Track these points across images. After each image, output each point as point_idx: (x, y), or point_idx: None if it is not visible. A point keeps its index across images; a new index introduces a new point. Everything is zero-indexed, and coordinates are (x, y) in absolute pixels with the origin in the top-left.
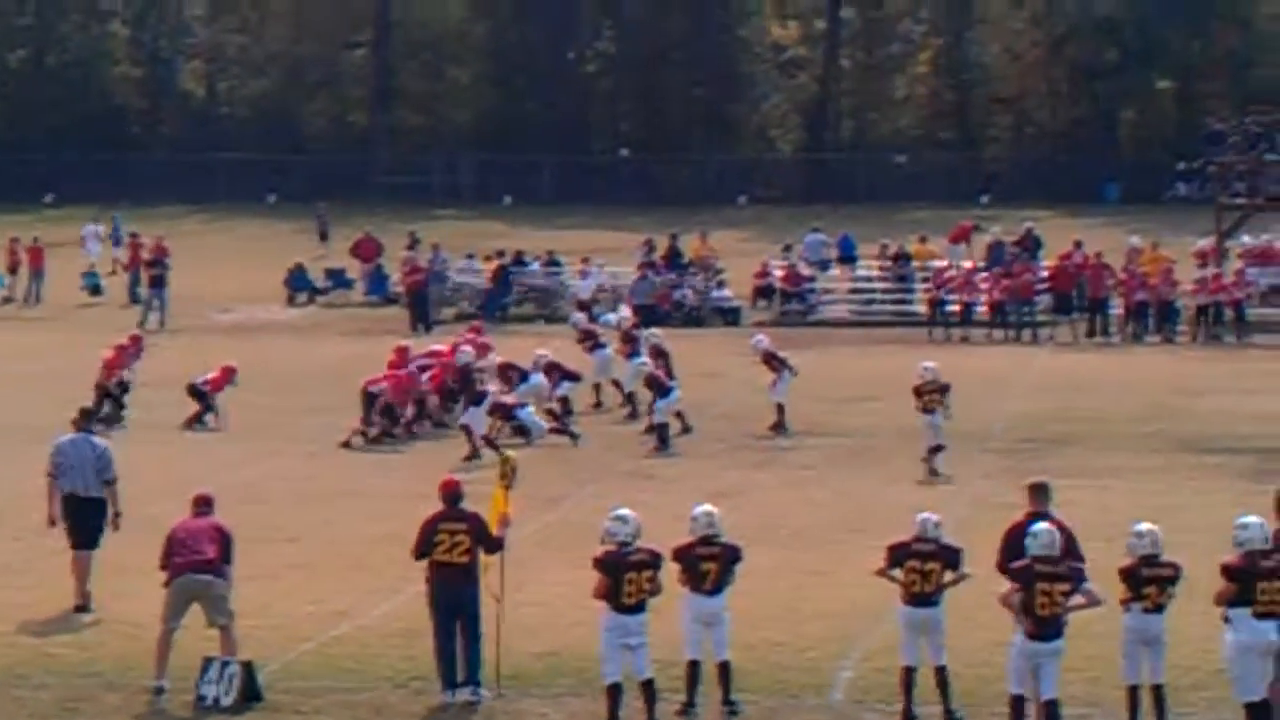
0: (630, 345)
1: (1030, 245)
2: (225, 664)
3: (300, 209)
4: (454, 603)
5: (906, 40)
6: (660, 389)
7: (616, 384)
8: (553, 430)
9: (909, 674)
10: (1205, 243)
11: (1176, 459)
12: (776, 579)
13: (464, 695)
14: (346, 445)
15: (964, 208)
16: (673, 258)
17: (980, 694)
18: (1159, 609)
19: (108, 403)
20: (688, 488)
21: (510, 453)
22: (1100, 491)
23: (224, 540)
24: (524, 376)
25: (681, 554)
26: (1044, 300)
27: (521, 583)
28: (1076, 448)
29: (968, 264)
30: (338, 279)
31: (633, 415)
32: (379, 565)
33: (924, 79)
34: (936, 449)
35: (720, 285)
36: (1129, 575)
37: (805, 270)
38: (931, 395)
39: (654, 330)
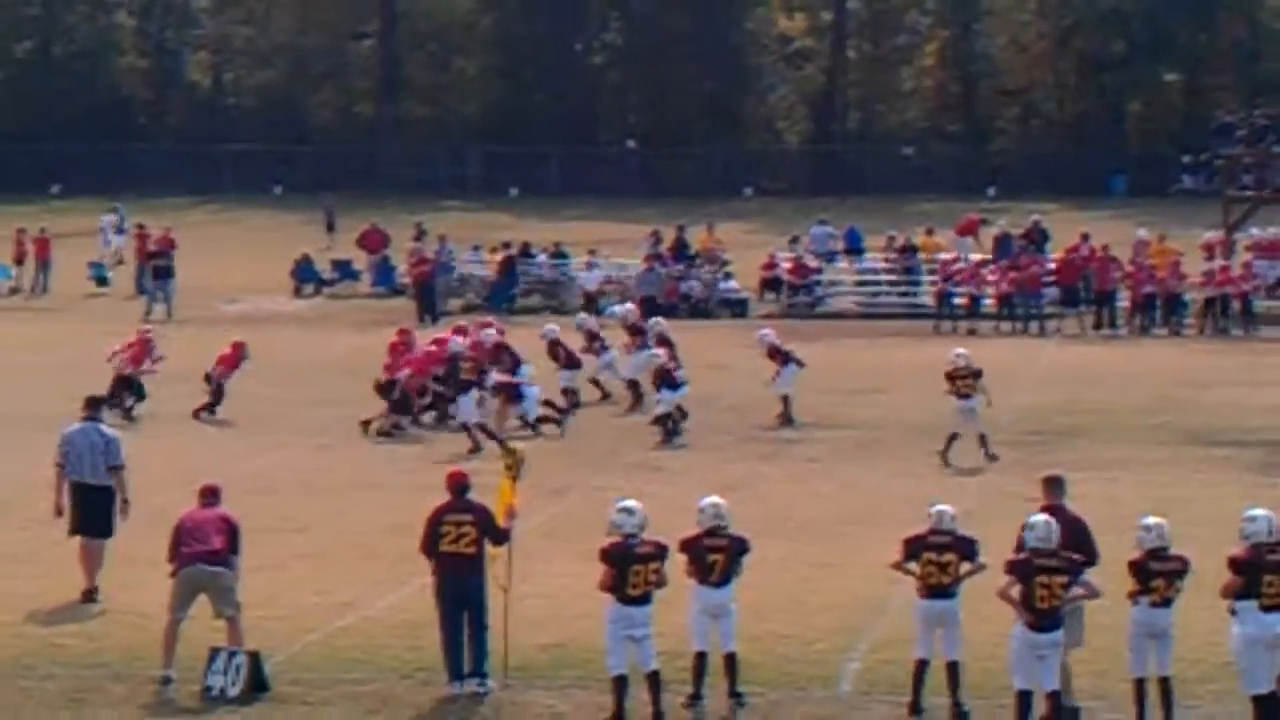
0: (637, 337)
1: (1037, 238)
2: (232, 654)
3: (307, 200)
4: (460, 594)
5: (913, 32)
6: (670, 382)
7: (632, 384)
8: (542, 419)
9: (922, 666)
10: (1213, 235)
11: (1184, 451)
12: (783, 571)
13: (470, 686)
14: (367, 424)
15: (971, 200)
16: (679, 249)
17: (986, 686)
18: (1166, 603)
19: (126, 394)
20: (695, 480)
21: (517, 444)
22: (1108, 484)
23: (231, 531)
24: (517, 364)
25: (689, 545)
26: (1051, 293)
27: (528, 574)
28: (1084, 440)
29: (977, 256)
30: (344, 270)
31: (636, 404)
32: (386, 556)
33: (931, 71)
34: (978, 437)
35: (727, 277)
36: (1137, 568)
37: (812, 262)
38: (964, 380)
39: (658, 319)
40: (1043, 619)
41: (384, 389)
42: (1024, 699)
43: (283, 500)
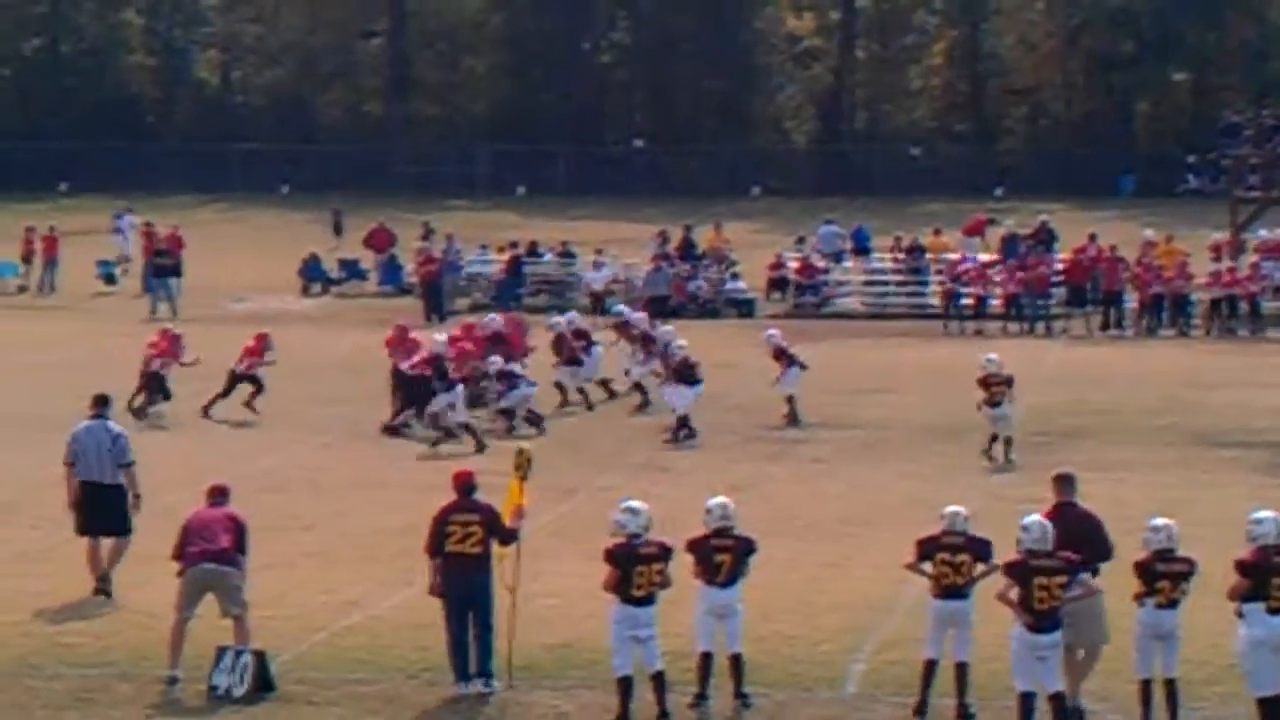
0: (649, 345)
1: (1045, 238)
2: (238, 654)
3: (315, 199)
4: (466, 594)
5: (921, 31)
6: (690, 379)
7: (637, 386)
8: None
9: (931, 667)
10: (1221, 236)
11: (1190, 453)
12: (790, 571)
13: (476, 687)
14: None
15: (978, 200)
16: (687, 249)
17: (991, 688)
18: (1172, 604)
19: (152, 391)
20: (701, 480)
21: (525, 444)
22: (1114, 485)
23: (239, 530)
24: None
25: (695, 546)
26: (1058, 293)
27: (534, 574)
28: (1090, 441)
29: (985, 257)
30: (352, 269)
31: (644, 405)
32: (393, 556)
33: (939, 70)
34: (1005, 440)
35: (734, 277)
36: (1142, 569)
37: (819, 262)
38: (999, 386)
39: (642, 316)
40: (1042, 620)
41: (403, 384)
42: (1027, 701)
43: (290, 499)
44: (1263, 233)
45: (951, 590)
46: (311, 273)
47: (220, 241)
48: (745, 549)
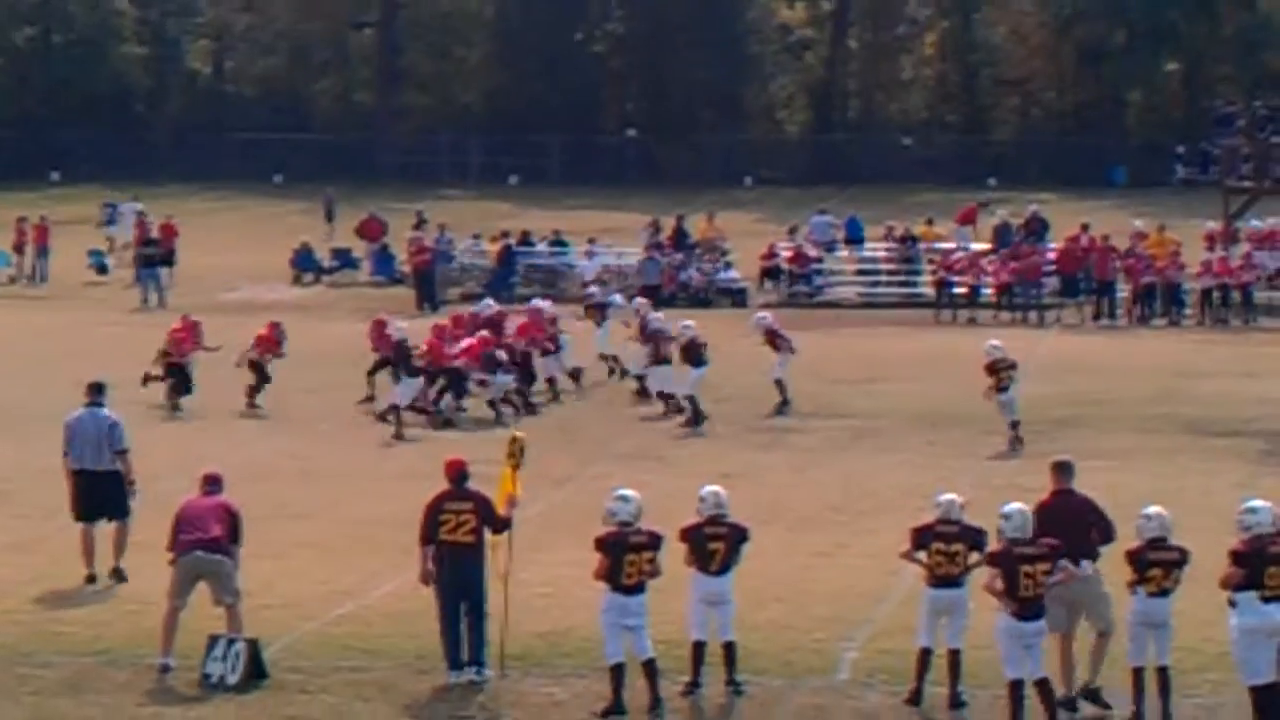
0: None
1: (1037, 228)
2: (231, 642)
3: (307, 188)
4: (459, 583)
5: (913, 21)
6: (697, 359)
7: (604, 357)
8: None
9: (925, 655)
10: (1216, 225)
11: (1182, 442)
12: (782, 559)
13: (469, 675)
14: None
15: (971, 190)
16: (679, 239)
17: (982, 676)
18: (1164, 593)
19: (175, 379)
20: (694, 468)
21: (519, 432)
22: (1106, 473)
23: (232, 519)
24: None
25: (689, 534)
26: (1051, 283)
27: (527, 562)
28: (1082, 430)
29: (978, 246)
30: (344, 259)
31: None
32: (385, 544)
33: (931, 61)
34: (1013, 424)
35: (727, 266)
36: (1134, 558)
37: (812, 252)
38: (1006, 372)
39: (641, 300)
40: (1027, 608)
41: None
42: (1017, 689)
43: (282, 488)
44: (1255, 223)
45: (946, 579)
46: (303, 262)
47: (212, 231)
48: (738, 537)
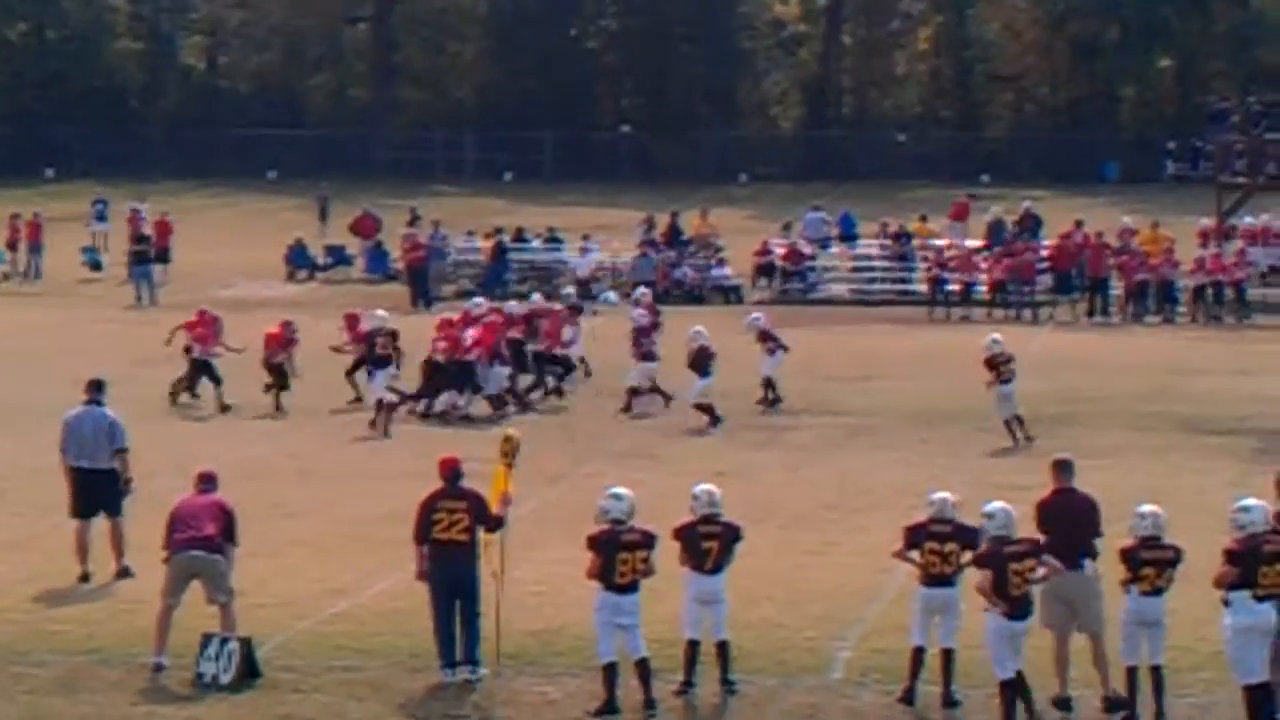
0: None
1: (1030, 224)
2: (224, 641)
3: (301, 185)
4: (453, 581)
5: (907, 17)
6: (704, 370)
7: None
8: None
9: (919, 654)
10: (1210, 222)
11: (1176, 439)
12: (776, 558)
13: (463, 674)
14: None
15: (964, 186)
16: (673, 235)
17: (976, 676)
18: (1157, 591)
19: (202, 375)
20: (688, 467)
21: (513, 431)
22: (1099, 471)
23: (226, 518)
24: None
25: (683, 533)
26: (1044, 280)
27: (521, 561)
28: (1076, 427)
29: (972, 242)
30: (338, 255)
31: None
32: (379, 543)
33: (925, 56)
34: (1015, 418)
35: (721, 263)
36: (1128, 556)
37: (806, 248)
38: (1006, 366)
39: (645, 290)
40: (1016, 606)
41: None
42: (1009, 689)
43: (276, 486)
44: (1249, 220)
45: (939, 578)
46: (297, 259)
47: (207, 227)
48: (732, 536)
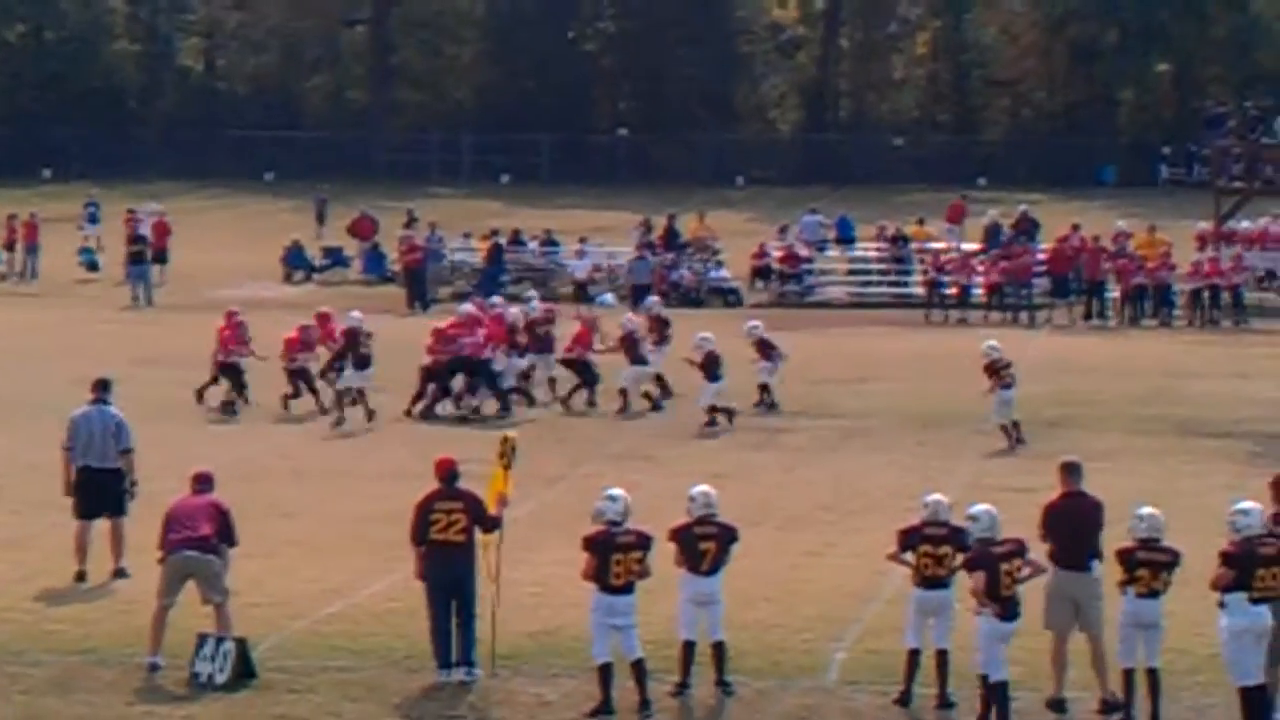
0: (659, 332)
1: (1027, 228)
2: (219, 641)
3: (299, 186)
4: (450, 582)
5: (905, 21)
6: (714, 374)
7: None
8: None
9: (914, 656)
10: (1207, 226)
11: (1172, 442)
12: (772, 559)
13: (458, 675)
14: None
15: (961, 190)
16: (670, 238)
17: (970, 677)
18: (1153, 594)
19: (226, 380)
20: (685, 468)
21: (510, 432)
22: (1096, 474)
23: (222, 518)
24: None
25: (679, 534)
26: (1041, 283)
27: (517, 562)
28: (1072, 430)
29: (969, 246)
30: (335, 257)
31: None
32: (374, 543)
33: (922, 60)
34: (1013, 423)
35: (718, 266)
36: (1124, 557)
37: (803, 251)
38: (1007, 370)
39: (655, 299)
40: (1008, 607)
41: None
42: (1003, 690)
43: (272, 486)
44: (1246, 224)
45: (933, 580)
46: (294, 260)
47: (204, 228)
48: (728, 537)
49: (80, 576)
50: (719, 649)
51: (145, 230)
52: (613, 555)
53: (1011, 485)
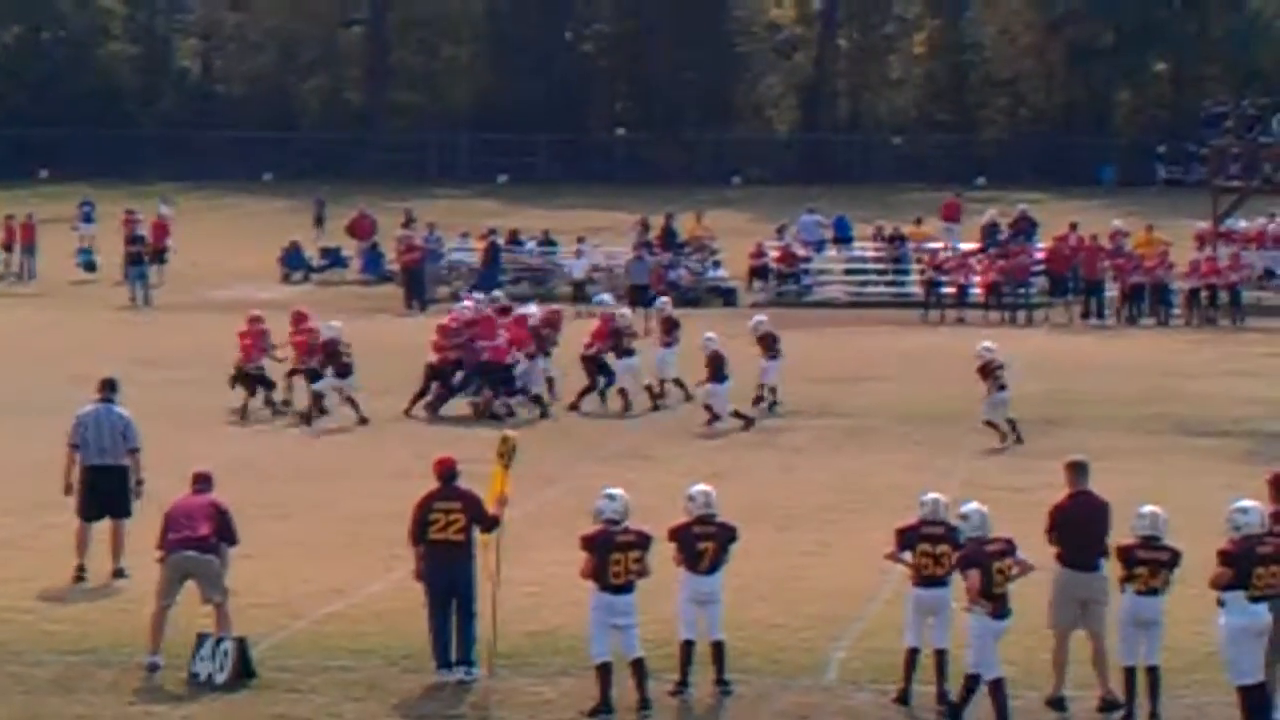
0: (668, 333)
1: (1025, 227)
2: (219, 641)
3: (296, 187)
4: (449, 581)
5: (903, 21)
6: (719, 375)
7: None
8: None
9: (913, 655)
10: (1206, 226)
11: (1170, 441)
12: (771, 559)
13: (457, 674)
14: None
15: (959, 189)
16: (668, 238)
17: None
18: (1153, 592)
19: (252, 386)
20: (684, 468)
21: (510, 432)
22: (1094, 473)
23: (221, 518)
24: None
25: (678, 533)
26: (1039, 282)
27: (516, 561)
28: (1070, 429)
29: (967, 245)
30: (333, 257)
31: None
32: (373, 543)
33: (920, 60)
34: (1009, 422)
35: (715, 265)
36: (1124, 554)
37: (800, 251)
38: (1000, 372)
39: (665, 300)
40: (1000, 605)
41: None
42: (999, 688)
43: (270, 486)
44: (1243, 223)
45: (931, 579)
46: (292, 260)
47: (202, 229)
48: (728, 536)
49: (80, 572)
50: (718, 648)
51: (143, 230)
52: (612, 554)
53: (1010, 484)
